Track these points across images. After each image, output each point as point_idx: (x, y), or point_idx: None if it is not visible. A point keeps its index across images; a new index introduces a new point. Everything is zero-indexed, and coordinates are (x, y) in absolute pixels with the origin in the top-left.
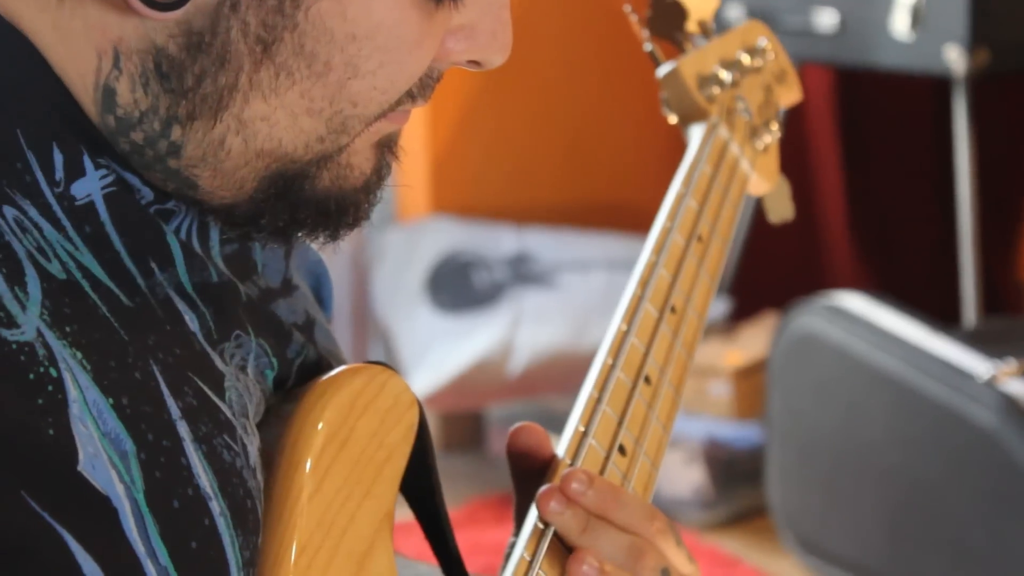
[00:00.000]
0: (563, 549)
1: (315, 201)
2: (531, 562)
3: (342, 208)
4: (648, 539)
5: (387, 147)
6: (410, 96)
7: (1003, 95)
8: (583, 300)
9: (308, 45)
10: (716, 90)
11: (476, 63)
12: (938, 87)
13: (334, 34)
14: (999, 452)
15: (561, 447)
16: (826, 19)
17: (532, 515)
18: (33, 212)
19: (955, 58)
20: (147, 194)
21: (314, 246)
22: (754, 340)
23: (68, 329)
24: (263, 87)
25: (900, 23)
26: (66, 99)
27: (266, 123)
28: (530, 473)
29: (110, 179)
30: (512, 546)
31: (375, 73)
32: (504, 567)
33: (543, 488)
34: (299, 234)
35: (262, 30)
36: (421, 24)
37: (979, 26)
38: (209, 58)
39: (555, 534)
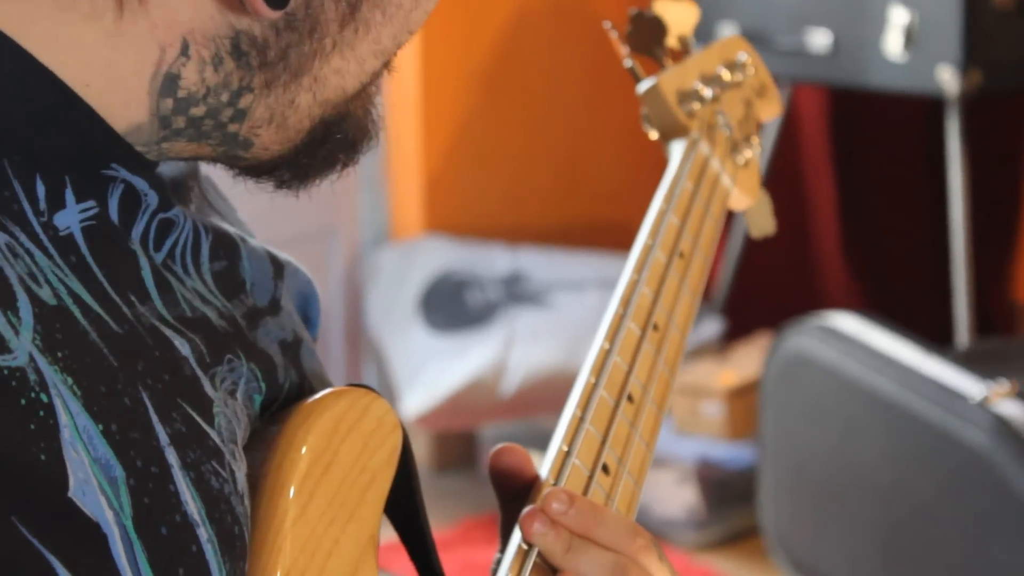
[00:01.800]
0: (547, 569)
1: (346, 136)
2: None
3: (363, 134)
4: (631, 556)
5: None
6: None
7: (996, 116)
8: (577, 319)
9: None
10: (696, 106)
11: None
12: (931, 108)
13: None
14: (991, 473)
15: (544, 467)
16: (819, 39)
17: (516, 536)
18: (23, 238)
19: (948, 79)
20: (152, 200)
21: (303, 269)
22: (747, 360)
23: (60, 354)
24: (343, 44)
25: (893, 44)
26: (71, 112)
27: (338, 75)
28: (514, 493)
29: (91, 212)
30: (498, 563)
31: None
32: None
33: (526, 509)
34: (322, 174)
35: None
36: None
37: (972, 47)
38: (297, 33)
39: (539, 554)
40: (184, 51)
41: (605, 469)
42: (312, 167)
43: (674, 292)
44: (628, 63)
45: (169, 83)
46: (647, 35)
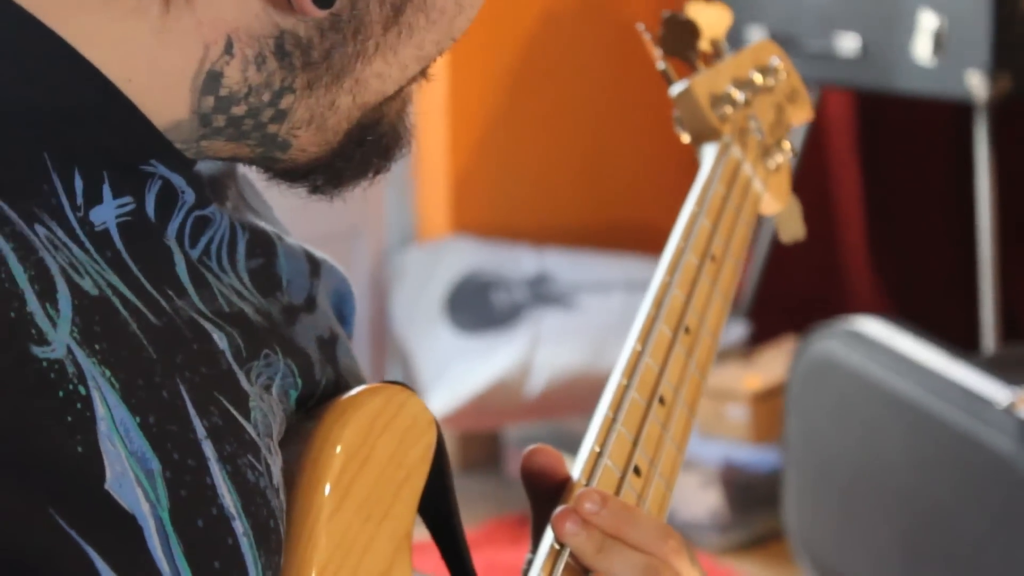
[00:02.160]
0: (579, 569)
1: (380, 140)
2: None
3: (396, 140)
4: (662, 558)
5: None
6: None
7: None
8: (602, 321)
9: None
10: (729, 109)
11: None
12: (959, 112)
13: None
14: (1016, 478)
15: (576, 468)
16: (848, 43)
17: (548, 536)
18: (60, 233)
19: (977, 84)
20: (189, 197)
21: (339, 268)
22: (772, 364)
23: (98, 347)
24: (386, 48)
25: (922, 48)
26: (112, 107)
27: (379, 79)
28: (546, 493)
29: (127, 208)
30: (529, 563)
31: (473, 5)
32: None
33: (558, 509)
34: (355, 179)
35: None
36: None
37: (1001, 52)
38: (341, 34)
39: (571, 554)
40: (228, 49)
41: (636, 471)
42: (346, 172)
43: (706, 295)
44: (661, 65)
45: (211, 81)
46: (680, 38)
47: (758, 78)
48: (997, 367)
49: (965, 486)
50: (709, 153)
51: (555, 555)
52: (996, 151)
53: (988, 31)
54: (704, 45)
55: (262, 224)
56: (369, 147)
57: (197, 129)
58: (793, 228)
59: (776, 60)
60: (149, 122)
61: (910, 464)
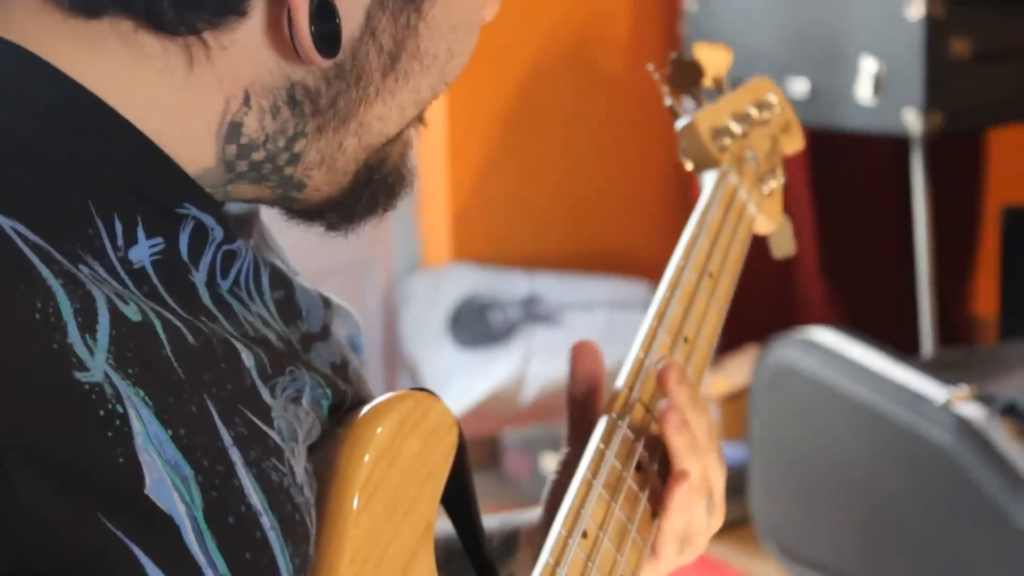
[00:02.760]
0: (633, 440)
1: (385, 180)
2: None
3: (400, 181)
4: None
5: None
6: None
7: (955, 152)
8: (587, 336)
9: (423, 45)
10: (728, 140)
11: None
12: (898, 145)
13: (442, 29)
14: (955, 467)
15: (583, 465)
16: (799, 87)
17: (602, 421)
18: (102, 271)
19: (912, 120)
20: (218, 234)
21: (353, 312)
22: (738, 370)
23: (131, 371)
24: (386, 92)
25: (864, 90)
26: (150, 159)
27: (381, 122)
28: (582, 396)
29: (158, 248)
30: (567, 456)
31: (464, 52)
32: (583, 453)
33: (662, 363)
34: (366, 217)
35: (392, 46)
36: None
37: (933, 93)
38: (345, 82)
39: (628, 427)
40: (246, 101)
41: (639, 467)
42: (357, 210)
43: (703, 308)
44: (668, 101)
45: (233, 131)
46: (685, 77)
47: (754, 112)
48: (935, 369)
49: (910, 474)
50: (709, 180)
51: (613, 425)
52: (930, 178)
53: (921, 74)
54: (707, 83)
55: (278, 262)
56: (376, 187)
57: (223, 175)
58: (785, 246)
59: (772, 96)
60: (182, 171)
61: (861, 456)
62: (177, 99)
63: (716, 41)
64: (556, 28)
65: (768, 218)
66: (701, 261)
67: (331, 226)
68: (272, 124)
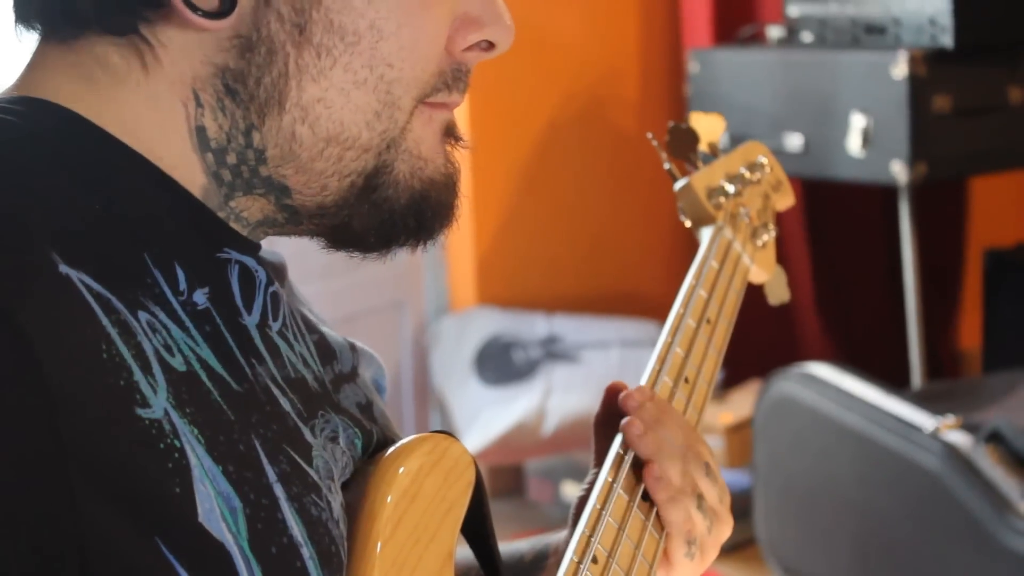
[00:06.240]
0: (637, 470)
1: (405, 204)
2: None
3: (436, 209)
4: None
5: (451, 136)
6: (445, 84)
7: (939, 199)
8: (603, 372)
9: (335, 19)
10: (722, 199)
11: (491, 45)
12: (886, 193)
13: (353, 2)
14: (943, 491)
15: (592, 497)
16: (794, 141)
17: (616, 441)
18: (162, 316)
19: (899, 171)
20: (262, 276)
21: (377, 357)
22: (742, 402)
23: (188, 410)
24: (310, 69)
25: (854, 143)
26: (189, 209)
27: (322, 104)
28: (608, 422)
29: (208, 294)
30: (595, 475)
31: (397, 33)
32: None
33: (623, 396)
34: (399, 244)
35: (293, 14)
36: None
37: (918, 145)
38: (260, 56)
39: (633, 458)
40: (198, 102)
41: (645, 496)
42: (378, 232)
43: (702, 352)
44: (667, 165)
45: (201, 136)
46: (683, 143)
47: (747, 173)
48: (924, 400)
49: (902, 497)
50: (706, 235)
51: (620, 459)
52: (917, 223)
53: (906, 129)
54: (703, 147)
55: (307, 311)
56: (396, 211)
57: (218, 189)
58: (779, 293)
59: (763, 158)
60: (215, 215)
61: (856, 480)
62: (152, 116)
63: (718, 99)
64: (571, 88)
65: (762, 268)
66: (699, 309)
67: (365, 249)
68: (225, 120)
